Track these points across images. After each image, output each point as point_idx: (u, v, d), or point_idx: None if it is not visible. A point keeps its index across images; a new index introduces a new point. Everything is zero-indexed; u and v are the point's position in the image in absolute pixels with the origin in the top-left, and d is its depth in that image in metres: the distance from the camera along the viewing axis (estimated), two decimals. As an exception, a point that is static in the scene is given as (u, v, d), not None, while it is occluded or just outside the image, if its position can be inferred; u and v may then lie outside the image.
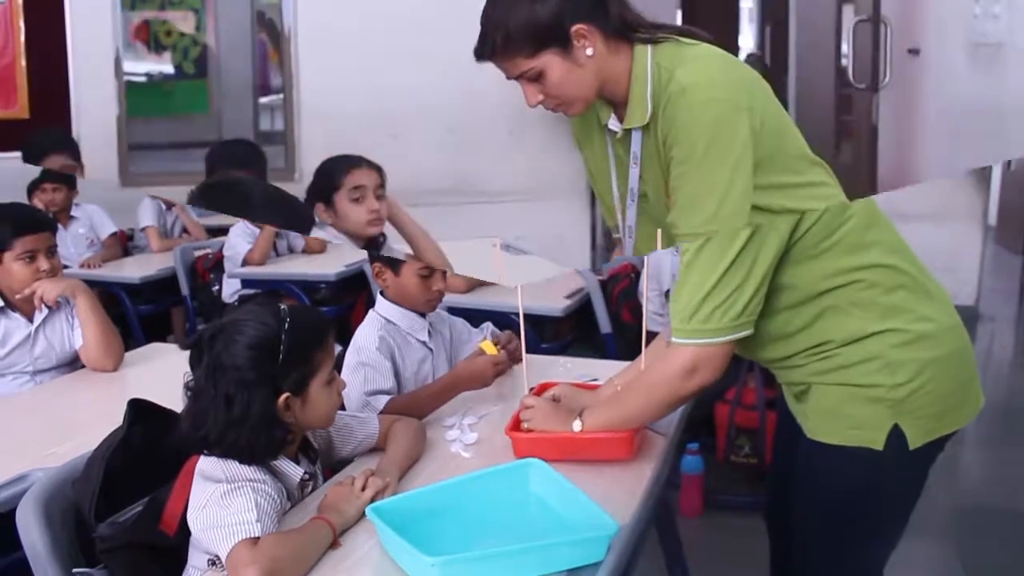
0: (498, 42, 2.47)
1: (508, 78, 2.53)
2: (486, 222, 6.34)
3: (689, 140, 2.36)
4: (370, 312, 3.20)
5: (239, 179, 3.48)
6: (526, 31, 2.45)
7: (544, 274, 4.73)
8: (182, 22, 9.58)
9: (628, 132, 2.52)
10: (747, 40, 10.45)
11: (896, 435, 2.49)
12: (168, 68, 9.75)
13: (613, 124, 2.57)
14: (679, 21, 8.11)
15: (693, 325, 2.39)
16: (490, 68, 6.38)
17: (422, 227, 4.33)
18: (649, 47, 2.47)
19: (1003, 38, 5.98)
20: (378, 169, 4.12)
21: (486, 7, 2.52)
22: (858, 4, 6.67)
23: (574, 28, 2.43)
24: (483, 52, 2.52)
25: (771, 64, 8.56)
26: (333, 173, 4.07)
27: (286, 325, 2.28)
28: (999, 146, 6.02)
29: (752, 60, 10.30)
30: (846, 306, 2.47)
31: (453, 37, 6.50)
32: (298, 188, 4.37)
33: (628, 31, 2.47)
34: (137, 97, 8.54)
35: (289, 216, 2.74)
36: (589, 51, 2.45)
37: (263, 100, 10.28)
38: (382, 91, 6.54)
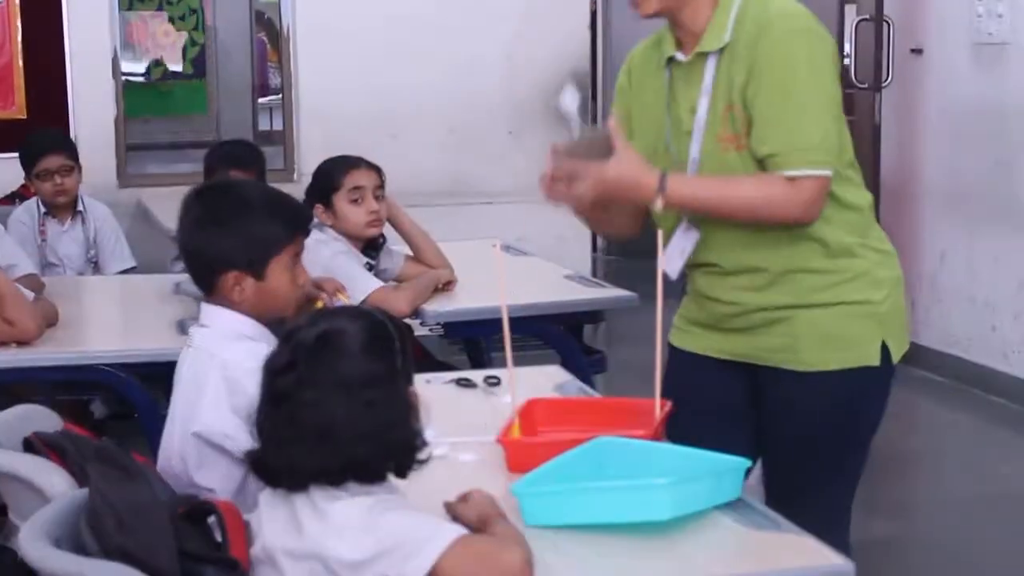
0: None
1: None
2: (486, 223, 6.30)
3: (779, 82, 2.57)
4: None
5: (237, 181, 3.43)
6: None
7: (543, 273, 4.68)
8: (180, 22, 9.57)
9: (697, 63, 2.66)
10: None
11: (884, 350, 2.74)
12: (167, 67, 9.74)
13: (680, 56, 2.71)
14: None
15: (815, 152, 2.58)
16: (490, 68, 6.56)
17: (422, 228, 4.31)
18: None
19: (1007, 38, 5.94)
20: (377, 170, 4.10)
21: None
22: (860, 3, 6.65)
23: None
24: None
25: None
26: (332, 174, 4.05)
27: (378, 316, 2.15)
28: (1002, 146, 5.99)
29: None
30: (837, 220, 2.69)
31: (452, 37, 6.54)
32: (297, 188, 4.35)
33: None
34: (135, 97, 8.53)
35: (288, 218, 2.68)
36: None
37: (262, 100, 10.29)
38: (381, 91, 6.52)
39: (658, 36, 2.81)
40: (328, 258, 3.92)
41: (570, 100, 2.80)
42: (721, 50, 2.64)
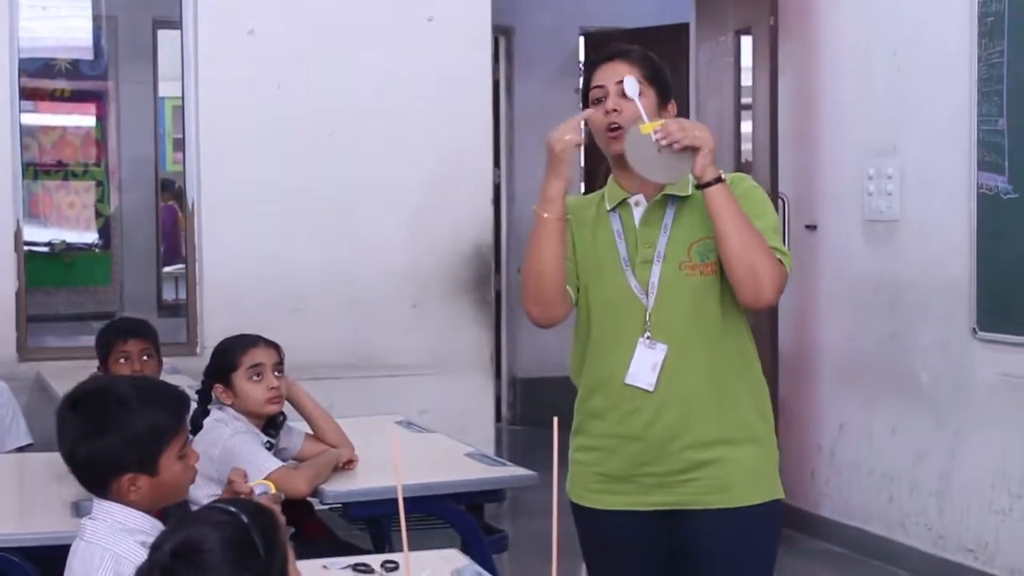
0: (652, 60, 3.07)
1: (607, 81, 3.04)
2: (389, 396, 6.31)
3: (757, 200, 3.05)
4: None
5: (109, 380, 3.27)
6: (665, 74, 3.09)
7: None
8: (86, 194, 9.56)
9: (659, 205, 3.05)
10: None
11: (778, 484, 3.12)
12: (70, 239, 9.70)
13: (641, 199, 3.08)
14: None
15: (790, 261, 3.01)
16: (393, 241, 6.55)
17: (321, 406, 4.29)
18: None
19: (896, 215, 6.12)
20: (276, 347, 4.09)
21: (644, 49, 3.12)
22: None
23: (671, 102, 3.09)
24: (628, 52, 3.08)
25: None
26: (230, 353, 4.04)
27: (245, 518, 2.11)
28: (896, 319, 6.12)
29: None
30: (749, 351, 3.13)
31: (356, 211, 6.61)
32: (200, 361, 4.33)
33: None
34: (37, 268, 8.48)
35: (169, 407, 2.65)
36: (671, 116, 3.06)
37: (169, 269, 10.25)
38: (285, 264, 6.55)
39: (593, 196, 3.19)
40: (227, 438, 3.90)
41: (632, 88, 3.02)
42: (682, 198, 3.04)
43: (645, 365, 3.00)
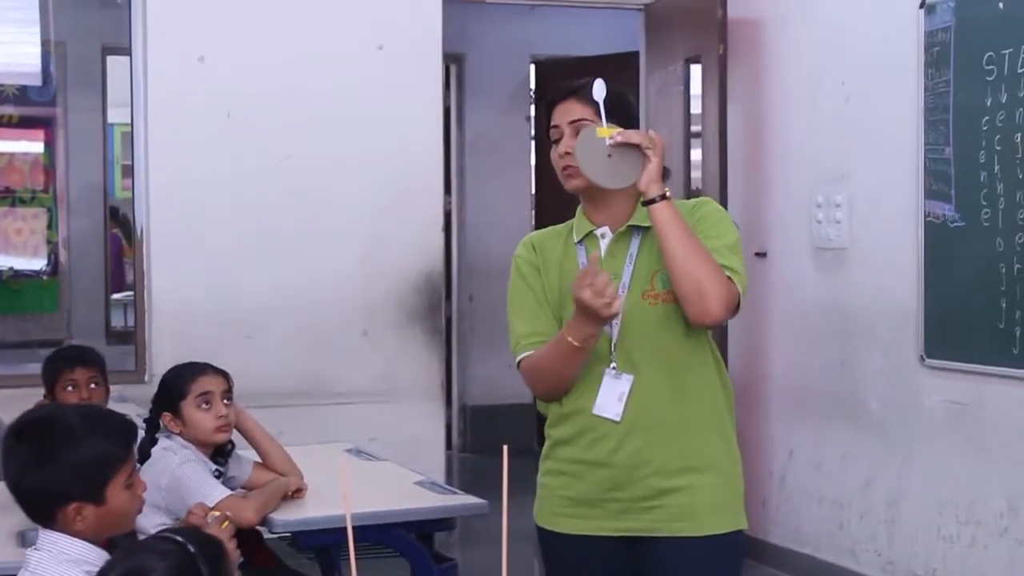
0: (609, 94, 3.03)
1: (561, 121, 3.10)
2: (340, 424, 6.29)
3: (716, 221, 3.10)
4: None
5: (55, 409, 3.24)
6: (627, 104, 3.14)
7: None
8: (34, 221, 9.49)
9: (625, 236, 3.09)
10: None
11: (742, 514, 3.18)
12: (18, 265, 9.63)
13: (607, 231, 3.12)
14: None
15: (743, 280, 3.03)
16: (344, 269, 6.59)
17: (268, 434, 4.27)
18: None
19: (845, 243, 6.16)
20: (225, 375, 4.08)
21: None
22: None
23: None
24: (581, 89, 3.09)
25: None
26: (178, 381, 4.02)
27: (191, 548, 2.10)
28: (845, 346, 6.15)
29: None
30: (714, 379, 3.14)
31: (306, 239, 6.59)
32: (148, 389, 4.30)
33: None
34: (-15, 296, 8.40)
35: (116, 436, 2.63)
36: None
37: (117, 296, 10.18)
38: (235, 292, 6.51)
39: (561, 228, 3.24)
40: (176, 466, 3.87)
41: (599, 91, 3.02)
42: (647, 228, 3.05)
43: (612, 395, 3.04)
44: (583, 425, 3.10)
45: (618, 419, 3.04)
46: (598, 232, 3.13)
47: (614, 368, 3.05)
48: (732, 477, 3.16)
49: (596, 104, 3.01)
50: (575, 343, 2.98)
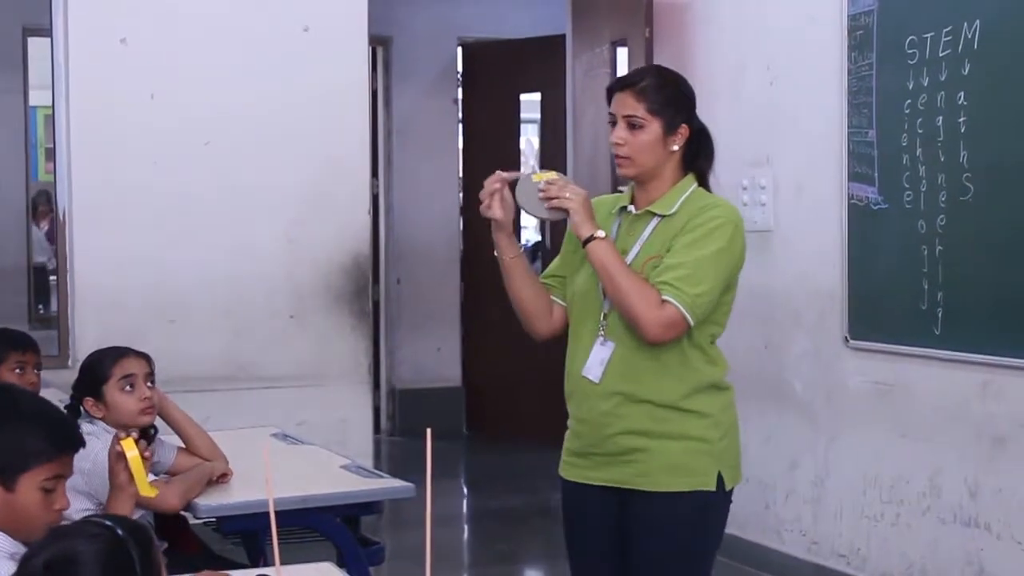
0: (663, 90, 3.43)
1: (617, 111, 3.42)
2: (267, 408, 6.25)
3: (702, 236, 3.35)
4: None
5: (13, 388, 3.30)
6: (680, 98, 3.47)
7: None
8: (-46, 204, 9.37)
9: (643, 218, 3.43)
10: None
11: (720, 479, 3.42)
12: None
13: (632, 209, 3.48)
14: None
15: (686, 295, 3.27)
16: (270, 251, 6.54)
17: (191, 418, 4.24)
18: (694, 180, 3.52)
19: (770, 225, 6.19)
20: (147, 357, 4.04)
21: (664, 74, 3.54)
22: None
23: (683, 126, 3.45)
24: (641, 83, 3.42)
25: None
26: (100, 365, 3.98)
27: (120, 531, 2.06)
28: (770, 329, 6.20)
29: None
30: (704, 370, 3.46)
31: (231, 220, 6.54)
32: (71, 374, 4.26)
33: (693, 166, 3.52)
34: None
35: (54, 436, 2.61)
36: (675, 147, 3.45)
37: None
38: (158, 275, 6.45)
39: (618, 195, 3.65)
40: (99, 451, 3.82)
41: (531, 143, 3.40)
42: (664, 216, 3.41)
43: (596, 360, 3.42)
44: (574, 386, 3.50)
45: (597, 381, 3.41)
46: (629, 208, 3.49)
47: (602, 335, 3.41)
48: (701, 443, 3.41)
49: (646, 102, 3.38)
50: (497, 254, 3.50)
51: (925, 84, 5.26)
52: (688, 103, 3.51)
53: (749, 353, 6.33)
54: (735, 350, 6.48)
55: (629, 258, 3.40)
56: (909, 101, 5.34)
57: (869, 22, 5.54)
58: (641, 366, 3.38)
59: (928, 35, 5.24)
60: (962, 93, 5.08)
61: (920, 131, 5.29)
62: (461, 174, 9.86)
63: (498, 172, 3.46)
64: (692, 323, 3.33)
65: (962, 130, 5.09)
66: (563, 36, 7.83)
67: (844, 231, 5.71)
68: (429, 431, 2.62)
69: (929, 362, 5.33)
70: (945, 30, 5.15)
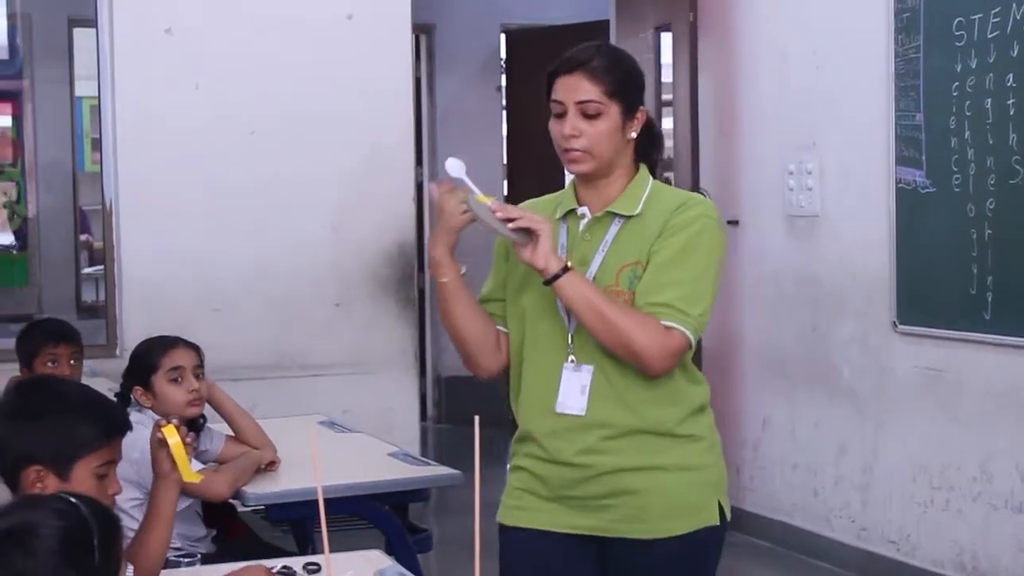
0: (618, 68, 2.91)
1: (570, 98, 2.87)
2: (313, 396, 6.27)
3: (691, 247, 2.88)
4: None
5: (61, 379, 3.33)
6: (635, 76, 2.94)
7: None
8: (2, 194, 9.44)
9: (603, 221, 2.93)
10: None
11: (720, 508, 2.98)
12: (-13, 241, 9.58)
13: (585, 211, 2.96)
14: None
15: (690, 317, 2.85)
16: (316, 240, 6.52)
17: (241, 407, 4.26)
18: (648, 173, 2.99)
19: (816, 210, 6.16)
20: (196, 348, 4.06)
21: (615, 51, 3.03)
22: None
23: (640, 110, 2.93)
24: (592, 62, 2.89)
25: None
26: (150, 355, 4.00)
27: (83, 512, 2.02)
28: (816, 313, 6.16)
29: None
30: (689, 391, 2.98)
31: (277, 210, 6.56)
32: (119, 363, 4.29)
33: (647, 157, 3.01)
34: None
35: (104, 423, 2.64)
36: (633, 134, 2.93)
37: (88, 270, 10.13)
38: (205, 264, 6.48)
39: (555, 196, 3.07)
40: (147, 440, 3.84)
41: (455, 168, 2.95)
42: (628, 217, 2.92)
43: (573, 389, 2.90)
44: (538, 423, 2.97)
45: (583, 413, 2.89)
46: (580, 211, 2.97)
47: (572, 360, 2.91)
48: (700, 472, 2.97)
49: (602, 84, 2.87)
50: (433, 276, 2.97)
51: (973, 66, 5.21)
52: (641, 81, 2.97)
53: (797, 338, 6.30)
54: (783, 335, 6.51)
55: (593, 268, 2.90)
56: (957, 84, 5.29)
57: (916, 4, 5.48)
58: (631, 390, 2.89)
59: (976, 16, 5.19)
60: (1011, 75, 5.03)
61: (968, 114, 5.24)
62: (505, 161, 9.85)
63: (441, 181, 2.97)
64: (694, 344, 2.89)
65: (1011, 112, 5.04)
66: (607, 22, 7.79)
67: (892, 215, 5.67)
68: (478, 418, 2.61)
69: (979, 347, 5.28)
70: (993, 11, 5.10)
